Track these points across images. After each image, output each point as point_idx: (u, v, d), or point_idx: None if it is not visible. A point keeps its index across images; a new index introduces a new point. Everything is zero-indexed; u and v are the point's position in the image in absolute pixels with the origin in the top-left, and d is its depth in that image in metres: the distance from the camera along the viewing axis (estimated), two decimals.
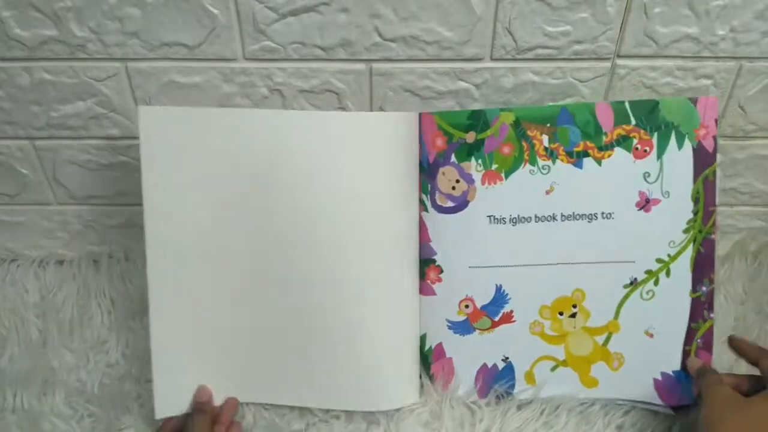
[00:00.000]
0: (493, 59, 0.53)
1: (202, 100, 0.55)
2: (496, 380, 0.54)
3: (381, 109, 0.56)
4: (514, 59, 0.53)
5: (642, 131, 0.49)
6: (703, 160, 0.49)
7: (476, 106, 0.56)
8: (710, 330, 0.51)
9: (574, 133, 0.50)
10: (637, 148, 0.50)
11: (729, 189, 0.63)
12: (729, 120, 0.57)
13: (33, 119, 0.57)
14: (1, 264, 0.67)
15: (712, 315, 0.51)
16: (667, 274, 0.51)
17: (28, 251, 0.68)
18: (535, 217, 0.51)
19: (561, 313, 0.52)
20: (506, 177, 0.51)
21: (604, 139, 0.50)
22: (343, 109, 0.56)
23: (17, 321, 0.62)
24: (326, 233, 0.51)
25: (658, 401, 0.52)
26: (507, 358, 0.53)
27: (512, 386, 0.54)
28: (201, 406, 0.51)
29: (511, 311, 0.53)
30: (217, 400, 0.53)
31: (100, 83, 0.55)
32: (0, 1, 0.50)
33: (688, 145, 0.49)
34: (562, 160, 0.50)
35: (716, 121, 0.49)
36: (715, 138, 0.49)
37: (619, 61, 0.54)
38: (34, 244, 0.67)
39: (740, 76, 0.54)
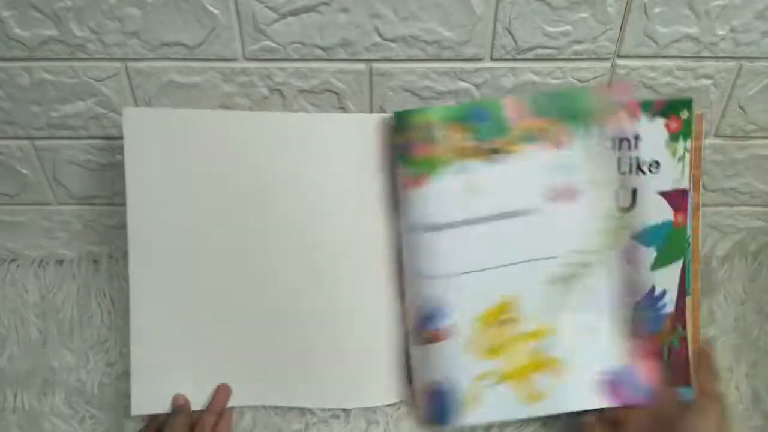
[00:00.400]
0: (493, 59, 0.53)
1: (202, 100, 0.55)
2: (438, 403, 0.50)
3: (381, 108, 0.56)
4: (514, 59, 0.53)
5: (555, 123, 0.48)
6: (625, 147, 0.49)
7: None
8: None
9: (487, 129, 0.49)
10: (551, 141, 0.48)
11: (729, 189, 0.63)
12: (729, 120, 0.57)
13: (33, 119, 0.57)
14: (1, 264, 0.67)
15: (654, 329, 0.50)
16: (596, 267, 0.49)
17: (28, 251, 0.67)
18: (457, 221, 0.49)
19: (495, 322, 0.50)
20: (426, 181, 0.49)
21: (515, 133, 0.48)
22: (343, 109, 0.56)
23: (17, 321, 0.62)
24: (310, 232, 0.52)
25: (607, 404, 0.49)
26: (444, 379, 0.50)
27: (454, 410, 0.50)
28: (179, 408, 0.51)
29: (445, 326, 0.50)
30: (202, 402, 0.53)
31: (100, 83, 0.55)
32: (0, 1, 0.50)
33: (605, 135, 0.48)
34: (477, 158, 0.49)
35: (637, 105, 0.48)
36: (634, 121, 0.49)
37: (619, 61, 0.54)
38: (34, 244, 0.67)
39: (740, 76, 0.54)
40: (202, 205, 0.51)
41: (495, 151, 0.49)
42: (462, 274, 0.49)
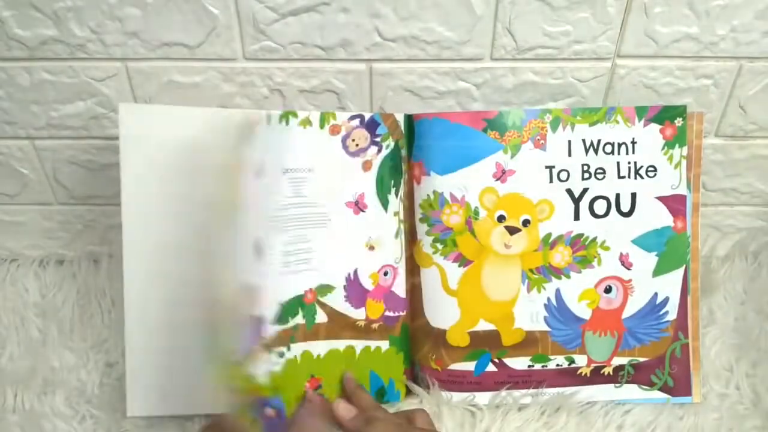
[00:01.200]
0: (493, 59, 0.53)
1: (202, 100, 0.55)
2: None
3: (381, 108, 0.56)
4: (514, 59, 0.53)
5: None
6: None
7: (476, 107, 0.56)
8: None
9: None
10: None
11: (729, 189, 0.63)
12: (729, 120, 0.57)
13: (33, 119, 0.57)
14: (1, 264, 0.67)
15: None
16: None
17: (28, 251, 0.68)
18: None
19: None
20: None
21: None
22: (343, 109, 0.56)
23: (17, 321, 0.62)
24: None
25: None
26: None
27: None
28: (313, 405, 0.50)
29: None
30: (194, 407, 0.52)
31: (100, 83, 0.55)
32: (0, 1, 0.50)
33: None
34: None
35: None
36: None
37: (619, 61, 0.54)
38: (34, 244, 0.67)
39: (740, 76, 0.54)
40: (199, 203, 0.51)
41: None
42: None
